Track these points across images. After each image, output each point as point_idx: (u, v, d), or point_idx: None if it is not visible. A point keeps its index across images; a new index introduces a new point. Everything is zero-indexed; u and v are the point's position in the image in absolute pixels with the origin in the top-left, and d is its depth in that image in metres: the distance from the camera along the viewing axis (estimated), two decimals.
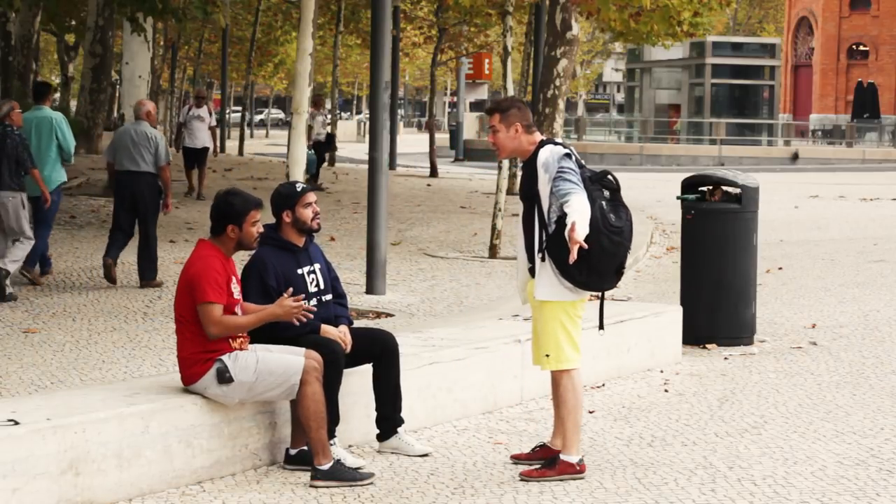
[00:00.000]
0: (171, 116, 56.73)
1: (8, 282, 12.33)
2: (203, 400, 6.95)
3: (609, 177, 7.17)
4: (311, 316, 7.14)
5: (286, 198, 7.47)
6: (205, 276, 6.90)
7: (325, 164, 30.83)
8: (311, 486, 6.92)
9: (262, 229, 7.14)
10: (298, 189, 7.52)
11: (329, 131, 29.76)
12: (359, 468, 7.15)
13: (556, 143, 7.22)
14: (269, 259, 7.34)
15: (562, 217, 6.97)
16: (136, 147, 13.35)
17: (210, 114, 24.57)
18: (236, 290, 7.07)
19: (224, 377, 6.91)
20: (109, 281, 13.22)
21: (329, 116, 35.08)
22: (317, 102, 28.25)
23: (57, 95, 47.29)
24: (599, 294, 7.40)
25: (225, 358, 6.95)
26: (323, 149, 28.10)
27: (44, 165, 13.25)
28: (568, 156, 7.10)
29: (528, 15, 29.68)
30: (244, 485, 6.94)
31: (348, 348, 7.34)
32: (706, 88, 51.89)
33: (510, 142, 7.28)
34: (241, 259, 7.56)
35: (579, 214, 6.86)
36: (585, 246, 6.80)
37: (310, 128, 27.39)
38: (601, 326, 7.53)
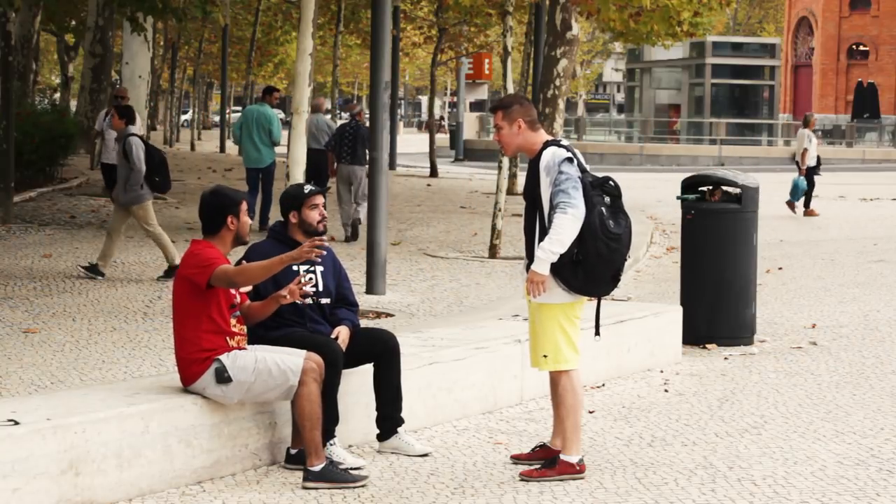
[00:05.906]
0: (170, 117, 56.73)
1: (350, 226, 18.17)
2: (203, 400, 6.95)
3: (611, 182, 7.15)
4: (324, 253, 7.18)
5: (293, 198, 7.52)
6: (202, 255, 6.89)
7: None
8: (302, 487, 6.90)
9: (251, 220, 7.18)
10: (306, 191, 7.56)
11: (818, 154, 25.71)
12: (358, 468, 7.14)
13: (559, 146, 7.18)
14: (268, 250, 7.36)
15: None
16: (318, 132, 19.19)
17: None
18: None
19: (223, 377, 6.90)
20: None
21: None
22: (808, 121, 25.53)
23: (57, 95, 47.34)
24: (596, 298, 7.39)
25: (223, 357, 6.94)
26: (813, 172, 25.12)
27: (263, 147, 18.63)
28: (570, 160, 7.04)
29: (528, 15, 29.68)
30: (244, 485, 6.94)
31: (343, 346, 7.34)
32: (706, 88, 51.85)
33: (514, 138, 7.25)
34: (236, 254, 7.56)
35: (545, 252, 6.93)
36: (541, 291, 7.01)
37: (805, 151, 24.77)
38: (597, 332, 7.51)
